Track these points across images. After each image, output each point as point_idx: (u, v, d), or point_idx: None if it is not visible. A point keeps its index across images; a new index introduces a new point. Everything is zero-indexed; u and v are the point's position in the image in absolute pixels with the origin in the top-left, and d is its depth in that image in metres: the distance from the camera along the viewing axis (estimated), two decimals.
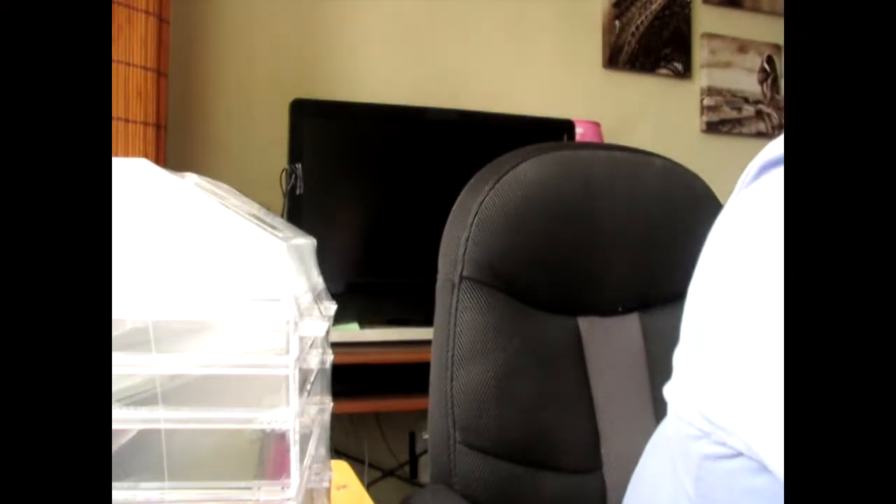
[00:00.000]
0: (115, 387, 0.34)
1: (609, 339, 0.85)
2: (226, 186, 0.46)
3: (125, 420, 0.34)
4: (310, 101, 1.60)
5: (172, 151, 1.61)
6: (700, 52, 2.27)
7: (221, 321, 0.36)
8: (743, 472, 0.43)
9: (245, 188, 0.55)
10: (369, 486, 1.75)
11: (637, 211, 0.86)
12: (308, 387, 0.40)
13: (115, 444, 0.34)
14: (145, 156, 1.27)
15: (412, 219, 1.65)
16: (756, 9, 2.34)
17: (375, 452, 1.84)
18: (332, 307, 0.47)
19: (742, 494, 0.44)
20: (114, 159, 0.35)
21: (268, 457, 0.36)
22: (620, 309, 0.86)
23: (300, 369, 0.36)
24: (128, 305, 0.34)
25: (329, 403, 0.48)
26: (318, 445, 0.44)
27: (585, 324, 0.84)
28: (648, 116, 2.19)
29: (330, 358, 0.48)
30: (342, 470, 0.80)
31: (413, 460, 1.87)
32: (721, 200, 0.86)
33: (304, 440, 0.38)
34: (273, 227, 0.40)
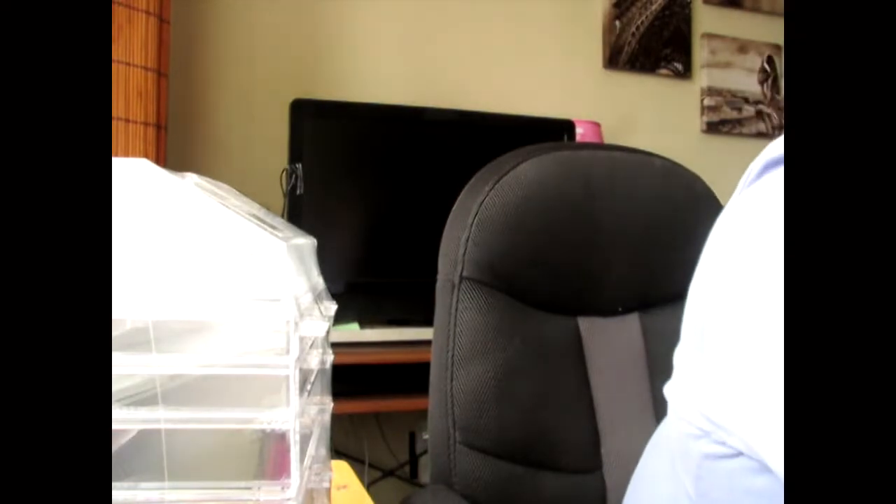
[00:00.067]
0: (115, 387, 0.34)
1: (609, 339, 0.85)
2: (226, 186, 0.46)
3: (125, 420, 0.34)
4: (310, 101, 1.60)
5: (172, 151, 1.61)
6: (700, 52, 2.27)
7: (221, 321, 0.36)
8: (743, 471, 0.43)
9: (245, 188, 0.55)
10: (369, 486, 1.75)
11: (637, 211, 0.86)
12: (308, 387, 0.40)
13: (115, 444, 0.34)
14: (145, 156, 1.27)
15: (412, 219, 1.65)
16: (756, 9, 2.34)
17: (375, 452, 1.84)
18: (332, 307, 0.47)
19: (742, 494, 0.44)
20: (114, 159, 0.35)
21: (268, 457, 0.36)
22: (620, 309, 0.87)
23: (300, 369, 0.36)
24: (128, 305, 0.34)
25: (329, 403, 0.48)
26: (318, 445, 0.44)
27: (585, 324, 0.84)
28: (648, 116, 2.19)
29: (330, 358, 0.48)
30: (342, 470, 0.80)
31: (413, 460, 1.87)
32: (721, 200, 0.86)
33: (304, 440, 0.38)
34: (273, 227, 0.40)
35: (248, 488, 0.36)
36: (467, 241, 0.78)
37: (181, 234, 0.36)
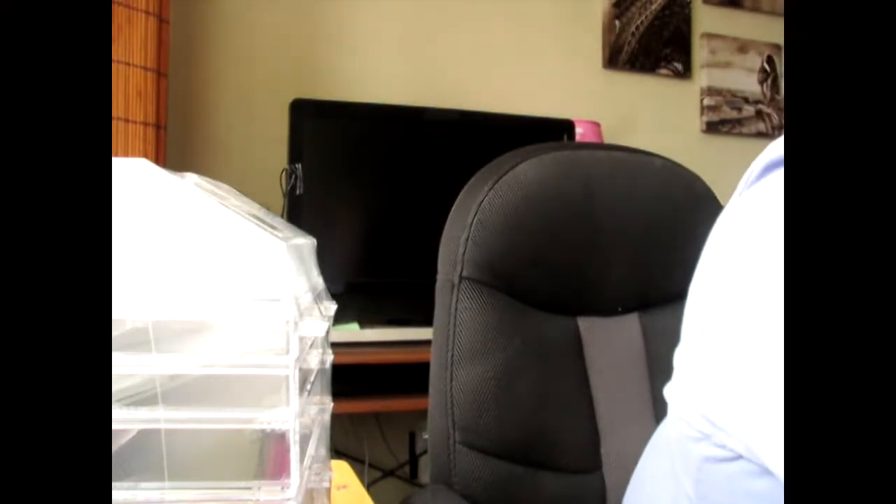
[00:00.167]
0: (115, 387, 0.34)
1: (609, 339, 0.85)
2: (226, 186, 0.46)
3: (125, 420, 0.34)
4: (310, 101, 1.60)
5: (172, 151, 1.61)
6: (700, 52, 2.27)
7: (221, 321, 0.36)
8: (743, 474, 0.43)
9: (245, 188, 0.55)
10: (369, 486, 1.75)
11: (637, 211, 0.86)
12: (308, 387, 0.40)
13: (115, 444, 0.34)
14: (145, 156, 1.27)
15: (412, 219, 1.65)
16: (756, 9, 2.34)
17: (375, 452, 1.84)
18: (332, 307, 0.47)
19: (742, 497, 0.44)
20: (114, 159, 0.35)
21: (268, 457, 0.36)
22: (620, 309, 0.86)
23: (300, 369, 0.36)
24: (128, 305, 0.34)
25: (329, 403, 0.48)
26: (318, 445, 0.44)
27: (585, 324, 0.84)
28: (648, 116, 2.19)
29: (330, 358, 0.48)
30: (342, 470, 0.80)
31: (413, 460, 1.87)
32: (721, 200, 0.86)
33: (304, 440, 0.38)
34: (273, 227, 0.40)
35: (248, 488, 0.36)
36: (467, 240, 0.78)
37: (181, 234, 0.36)
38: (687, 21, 2.25)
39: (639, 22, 2.18)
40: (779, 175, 0.44)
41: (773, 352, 0.38)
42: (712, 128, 2.27)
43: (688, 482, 0.48)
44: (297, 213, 1.54)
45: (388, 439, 1.86)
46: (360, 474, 1.05)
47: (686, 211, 0.88)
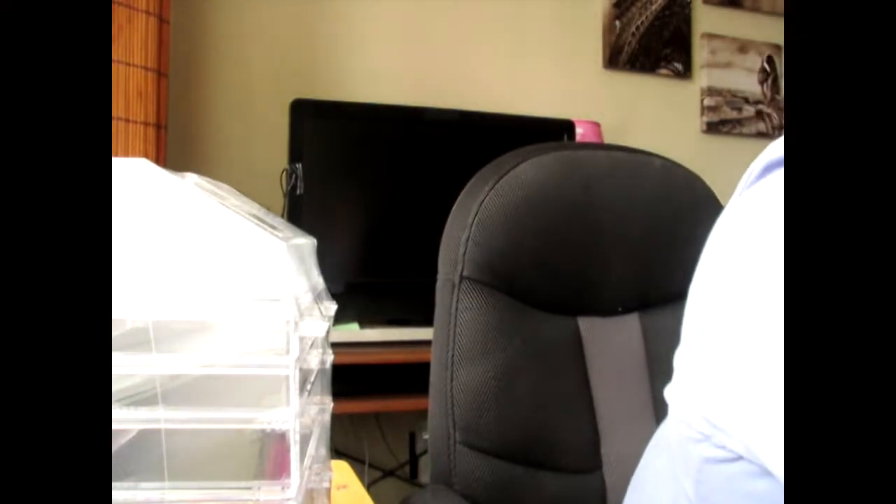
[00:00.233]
0: (115, 387, 0.34)
1: (609, 339, 0.85)
2: (226, 186, 0.46)
3: (125, 420, 0.34)
4: (310, 101, 1.60)
5: (172, 151, 1.61)
6: (700, 52, 2.27)
7: (221, 321, 0.36)
8: (743, 475, 0.43)
9: (245, 188, 0.55)
10: (369, 486, 1.75)
11: (637, 211, 0.86)
12: (308, 387, 0.40)
13: (115, 444, 0.34)
14: (145, 156, 1.27)
15: (412, 219, 1.65)
16: (756, 9, 2.34)
17: (375, 452, 1.84)
18: (332, 307, 0.47)
19: (742, 498, 0.44)
20: (114, 159, 0.35)
21: (268, 457, 0.36)
22: (620, 309, 0.86)
23: (300, 369, 0.36)
24: (128, 305, 0.34)
25: (329, 403, 0.48)
26: (318, 445, 0.44)
27: (585, 324, 0.84)
28: (648, 116, 2.19)
29: (330, 358, 0.48)
30: (342, 470, 0.80)
31: (413, 460, 1.87)
32: (721, 201, 0.86)
33: (304, 440, 0.38)
34: (273, 227, 0.40)
35: (248, 488, 0.36)
36: (467, 240, 0.78)
37: (181, 234, 0.36)
38: (687, 21, 2.25)
39: (639, 22, 2.18)
40: (778, 175, 0.44)
41: (773, 352, 0.38)
42: (712, 128, 2.27)
43: (688, 483, 0.48)
44: (297, 213, 1.54)
45: (388, 439, 1.86)
46: (360, 474, 1.05)
47: (686, 211, 0.88)
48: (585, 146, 0.99)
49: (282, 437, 0.35)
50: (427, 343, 0.82)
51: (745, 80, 2.32)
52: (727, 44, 2.29)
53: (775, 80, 2.35)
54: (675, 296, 0.84)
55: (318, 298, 0.45)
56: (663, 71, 2.22)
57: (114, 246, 0.33)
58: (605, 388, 0.83)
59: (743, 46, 2.32)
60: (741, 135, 2.31)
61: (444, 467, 0.77)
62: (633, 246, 0.86)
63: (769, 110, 2.35)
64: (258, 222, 0.38)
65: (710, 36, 2.27)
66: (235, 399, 0.36)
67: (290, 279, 0.36)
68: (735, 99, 2.30)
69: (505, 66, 2.04)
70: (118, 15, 1.37)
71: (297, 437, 0.35)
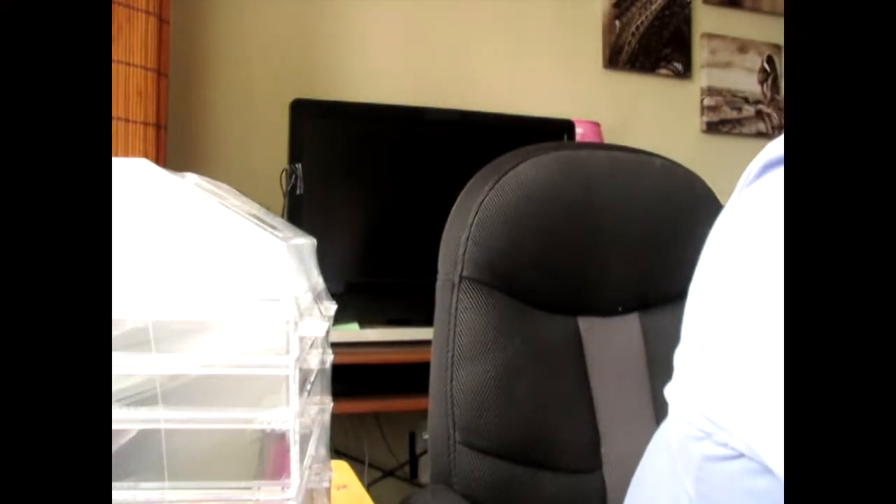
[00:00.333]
0: (115, 387, 0.34)
1: (609, 339, 0.85)
2: (226, 186, 0.46)
3: (125, 420, 0.34)
4: (310, 101, 1.60)
5: (172, 151, 1.61)
6: (700, 52, 2.27)
7: (221, 321, 0.36)
8: (744, 473, 0.43)
9: (245, 188, 0.55)
10: (369, 486, 1.75)
11: (637, 211, 0.86)
12: (308, 387, 0.40)
13: (115, 444, 0.34)
14: (145, 156, 1.27)
15: (412, 219, 1.65)
16: (756, 9, 2.34)
17: (375, 452, 1.84)
18: (332, 307, 0.47)
19: (743, 496, 0.44)
20: (114, 159, 0.35)
21: (268, 457, 0.36)
22: (620, 309, 0.86)
23: (300, 369, 0.36)
24: (128, 305, 0.34)
25: (329, 403, 0.48)
26: (318, 445, 0.44)
27: (585, 324, 0.84)
28: (648, 116, 2.19)
29: (330, 358, 0.48)
30: (342, 470, 0.80)
31: (413, 460, 1.87)
32: (721, 200, 0.86)
33: (304, 440, 0.38)
34: (273, 227, 0.40)
35: (248, 488, 0.36)
36: (467, 240, 0.78)
37: (181, 234, 0.36)
38: (687, 21, 2.25)
39: (639, 22, 2.18)
40: (777, 174, 0.44)
41: (773, 351, 0.38)
42: (712, 128, 2.27)
43: (688, 481, 0.48)
44: (297, 213, 1.54)
45: (388, 439, 1.86)
46: (360, 474, 1.05)
47: (686, 211, 0.88)
48: (585, 146, 0.99)
49: (282, 437, 0.35)
50: (427, 343, 0.82)
51: (745, 79, 2.32)
52: (727, 44, 2.29)
53: (775, 80, 2.35)
54: (675, 296, 0.84)
55: (318, 298, 0.45)
56: (663, 71, 2.22)
57: (114, 246, 0.33)
58: (605, 388, 0.83)
59: (743, 46, 2.32)
60: (741, 135, 2.31)
61: (444, 467, 0.77)
62: (633, 246, 0.86)
63: (769, 110, 2.35)
64: (258, 222, 0.38)
65: (710, 36, 2.27)
66: (235, 399, 0.36)
67: (290, 279, 0.36)
68: (735, 99, 2.30)
69: (505, 66, 2.04)
70: (118, 15, 1.37)
71: (297, 437, 0.35)
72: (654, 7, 2.20)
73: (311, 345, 0.41)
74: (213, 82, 1.79)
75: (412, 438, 1.87)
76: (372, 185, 1.66)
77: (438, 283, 0.80)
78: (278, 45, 1.83)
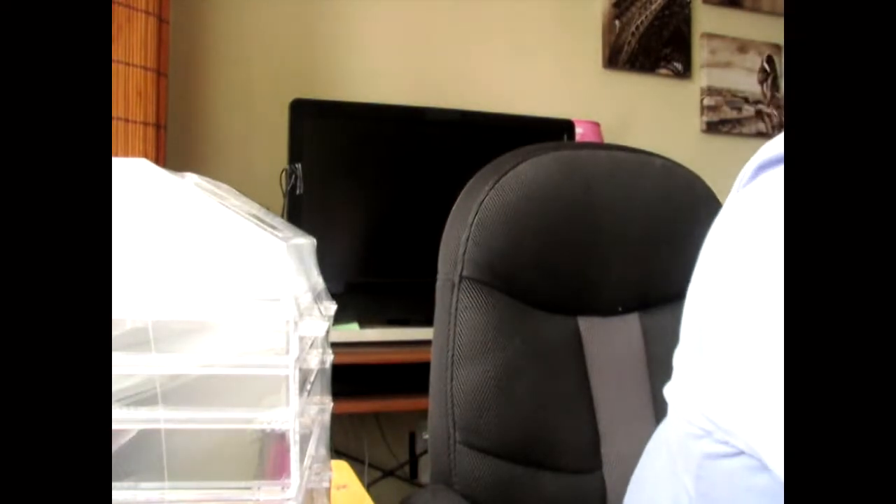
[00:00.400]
0: (115, 387, 0.34)
1: (609, 339, 0.85)
2: (226, 186, 0.46)
3: (125, 420, 0.34)
4: (310, 101, 1.60)
5: (172, 151, 1.61)
6: (700, 52, 2.27)
7: (221, 321, 0.36)
8: (744, 470, 0.43)
9: (245, 188, 0.55)
10: (369, 486, 1.75)
11: (637, 211, 0.86)
12: (308, 387, 0.40)
13: (115, 444, 0.34)
14: (145, 156, 1.27)
15: (412, 219, 1.65)
16: (756, 9, 2.34)
17: (375, 452, 1.84)
18: (332, 307, 0.47)
19: (743, 493, 0.44)
20: (114, 159, 0.35)
21: (268, 457, 0.36)
22: (620, 309, 0.86)
23: (300, 369, 0.36)
24: (128, 305, 0.34)
25: (329, 403, 0.48)
26: (318, 445, 0.44)
27: (585, 324, 0.84)
28: (648, 116, 2.19)
29: (330, 358, 0.48)
30: (342, 470, 0.80)
31: (413, 460, 1.87)
32: (721, 200, 0.85)
33: (304, 440, 0.38)
34: (273, 227, 0.40)
35: (248, 488, 0.36)
36: (467, 240, 0.78)
37: (181, 234, 0.36)
38: (687, 21, 2.25)
39: (639, 22, 2.18)
40: (772, 175, 0.44)
41: (772, 350, 0.38)
42: (712, 128, 2.27)
43: (688, 480, 0.48)
44: (297, 213, 1.54)
45: (388, 439, 1.86)
46: (360, 474, 1.05)
47: (686, 211, 0.88)
48: (585, 146, 0.99)
49: (282, 437, 0.35)
50: (427, 343, 0.82)
51: (745, 79, 2.32)
52: (727, 44, 2.29)
53: (775, 80, 2.35)
54: (675, 296, 0.84)
55: (318, 298, 0.45)
56: (663, 71, 2.22)
57: (114, 246, 0.33)
58: (605, 388, 0.83)
59: (743, 46, 2.32)
60: (741, 134, 2.31)
61: (444, 467, 0.77)
62: (633, 246, 0.86)
63: (769, 110, 2.35)
64: (258, 222, 0.38)
65: (710, 36, 2.27)
66: (235, 399, 0.36)
67: (290, 279, 0.36)
68: (735, 99, 2.30)
69: (505, 66, 2.04)
70: (118, 15, 1.37)
71: (297, 437, 0.35)
72: (653, 7, 2.20)
73: (311, 345, 0.41)
74: (212, 82, 1.79)
75: (412, 438, 1.87)
76: (372, 185, 1.66)
77: (438, 283, 0.80)
78: (278, 45, 1.83)
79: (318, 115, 1.59)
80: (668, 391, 0.51)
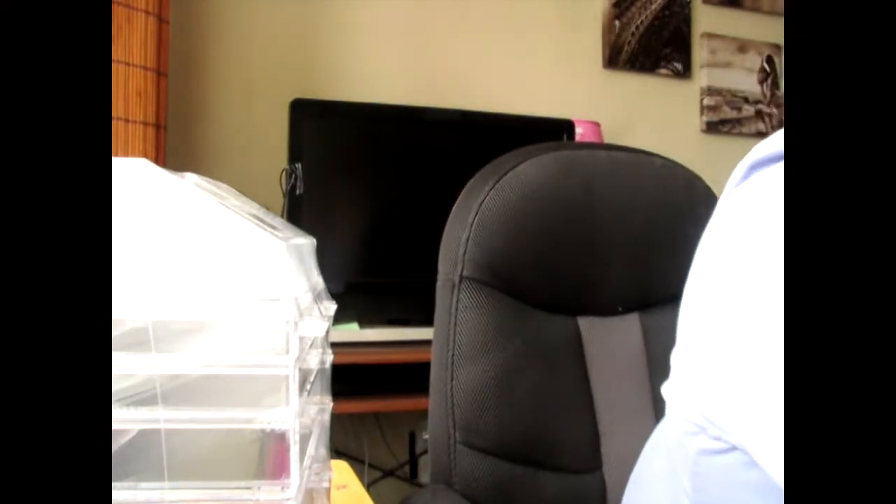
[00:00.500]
0: (115, 387, 0.34)
1: (609, 339, 0.85)
2: (226, 186, 0.46)
3: (125, 420, 0.34)
4: (310, 101, 1.60)
5: (172, 151, 1.61)
6: (700, 52, 2.27)
7: (221, 321, 0.36)
8: (738, 465, 0.44)
9: (245, 188, 0.55)
10: (369, 486, 1.75)
11: (637, 211, 0.86)
12: (308, 387, 0.40)
13: (115, 444, 0.34)
14: (145, 156, 1.27)
15: (412, 219, 1.65)
16: (756, 9, 2.34)
17: (375, 452, 1.84)
18: (332, 307, 0.47)
19: (738, 488, 0.44)
20: (114, 159, 0.35)
21: (268, 457, 0.36)
22: (620, 309, 0.86)
23: (300, 369, 0.36)
24: (128, 305, 0.34)
25: (329, 403, 0.48)
26: (318, 445, 0.44)
27: (585, 324, 0.84)
28: (648, 116, 2.19)
29: (330, 358, 0.48)
30: (342, 470, 0.80)
31: (413, 460, 1.87)
32: None
33: (304, 440, 0.38)
34: (273, 227, 0.40)
35: (248, 488, 0.36)
36: (467, 240, 0.78)
37: (181, 234, 0.36)
38: (687, 21, 2.25)
39: (639, 22, 2.18)
40: (766, 173, 0.44)
41: (770, 350, 0.38)
42: (712, 128, 2.27)
43: (685, 476, 0.48)
44: (297, 213, 1.54)
45: (388, 439, 1.86)
46: (360, 474, 1.05)
47: (686, 211, 0.88)
48: (585, 146, 0.99)
49: (281, 437, 0.35)
50: (427, 343, 0.82)
51: (745, 79, 2.32)
52: (727, 43, 2.29)
53: (775, 80, 2.35)
54: (675, 295, 0.84)
55: (317, 298, 0.45)
56: (663, 71, 2.22)
57: (114, 246, 0.33)
58: (605, 387, 0.83)
59: (743, 46, 2.32)
60: (741, 134, 2.31)
61: (444, 467, 0.77)
62: (633, 246, 0.86)
63: (769, 110, 2.35)
64: (258, 222, 0.38)
65: (710, 36, 2.27)
66: (235, 399, 0.36)
67: (290, 279, 0.36)
68: (735, 99, 2.30)
69: (505, 65, 2.04)
70: (118, 15, 1.37)
71: (297, 437, 0.35)
72: (653, 7, 2.20)
73: (311, 345, 0.41)
74: (213, 82, 1.79)
75: (412, 438, 1.87)
76: (372, 185, 1.66)
77: (438, 283, 0.80)
78: (278, 45, 1.83)
79: (318, 115, 1.59)
80: (666, 390, 0.51)
